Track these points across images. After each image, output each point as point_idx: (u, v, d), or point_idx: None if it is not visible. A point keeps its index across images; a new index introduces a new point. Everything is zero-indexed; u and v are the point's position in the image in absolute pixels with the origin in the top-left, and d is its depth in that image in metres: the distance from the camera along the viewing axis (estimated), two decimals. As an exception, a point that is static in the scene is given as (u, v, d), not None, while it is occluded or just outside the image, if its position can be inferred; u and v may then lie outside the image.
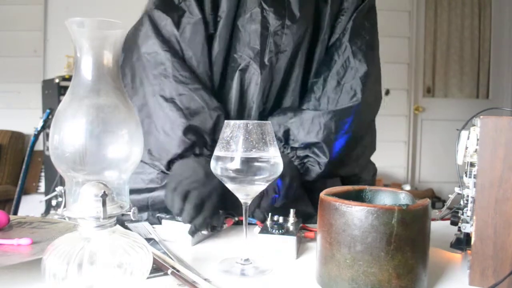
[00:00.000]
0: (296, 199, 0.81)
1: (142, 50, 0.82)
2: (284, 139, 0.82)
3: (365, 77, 0.84)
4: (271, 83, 0.85)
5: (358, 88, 0.83)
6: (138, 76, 0.82)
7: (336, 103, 0.83)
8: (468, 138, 0.56)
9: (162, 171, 0.82)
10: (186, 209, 0.66)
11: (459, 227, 0.57)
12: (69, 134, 0.42)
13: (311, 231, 0.71)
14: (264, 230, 0.64)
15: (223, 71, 0.86)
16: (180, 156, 0.78)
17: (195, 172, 0.72)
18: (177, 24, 0.82)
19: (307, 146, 0.81)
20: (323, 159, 0.80)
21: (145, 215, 0.84)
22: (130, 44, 0.84)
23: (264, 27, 0.83)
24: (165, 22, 0.82)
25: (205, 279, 0.51)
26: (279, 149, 0.80)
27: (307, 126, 0.81)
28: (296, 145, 0.82)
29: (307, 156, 0.82)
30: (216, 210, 0.68)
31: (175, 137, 0.77)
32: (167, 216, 0.72)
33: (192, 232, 0.66)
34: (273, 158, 0.55)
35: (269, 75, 0.84)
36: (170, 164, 0.79)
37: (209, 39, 0.85)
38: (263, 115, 0.86)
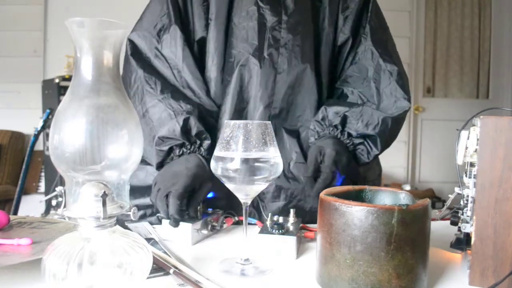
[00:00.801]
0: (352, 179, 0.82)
1: (124, 71, 0.87)
2: (341, 126, 0.85)
3: (400, 79, 0.87)
4: (274, 76, 0.85)
5: (398, 93, 0.85)
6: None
7: (382, 109, 0.86)
8: (468, 138, 0.56)
9: None
10: (159, 206, 0.70)
11: (459, 227, 0.57)
12: (69, 134, 0.42)
13: (311, 231, 0.71)
14: (264, 230, 0.64)
15: (222, 68, 0.88)
16: (161, 164, 0.82)
17: (163, 176, 0.75)
18: (158, 38, 0.87)
19: (362, 136, 0.84)
20: (375, 151, 0.84)
21: (148, 211, 0.86)
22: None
23: (261, 24, 0.85)
24: (145, 40, 0.87)
25: (206, 279, 0.51)
26: (336, 135, 0.83)
27: (366, 119, 0.84)
28: (353, 133, 0.84)
29: (360, 144, 0.84)
30: (182, 197, 0.69)
31: (152, 150, 0.82)
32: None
33: (173, 222, 0.67)
34: (273, 158, 0.55)
35: (270, 68, 0.85)
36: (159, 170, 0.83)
37: (201, 42, 0.89)
38: (272, 108, 0.86)
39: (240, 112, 0.86)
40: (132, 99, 0.85)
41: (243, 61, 0.85)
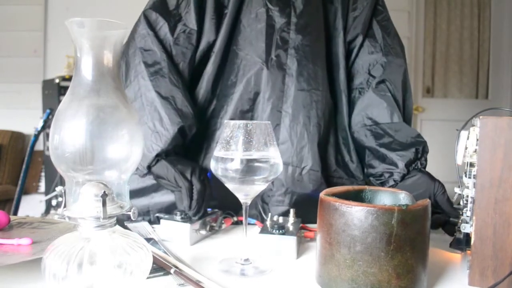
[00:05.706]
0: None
1: (138, 45, 0.83)
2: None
3: (405, 75, 0.91)
4: (283, 77, 0.84)
5: (406, 95, 0.91)
6: (133, 69, 0.83)
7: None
8: (467, 138, 0.57)
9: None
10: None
11: (459, 227, 0.57)
12: (69, 134, 0.42)
13: (311, 231, 0.71)
14: (264, 230, 0.64)
15: (218, 65, 0.87)
16: (166, 153, 0.78)
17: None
18: (173, 30, 0.85)
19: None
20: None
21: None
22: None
23: (269, 26, 0.85)
24: (161, 25, 0.85)
25: (207, 279, 0.51)
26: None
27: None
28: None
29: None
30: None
31: (167, 133, 0.78)
32: (166, 216, 0.72)
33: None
34: (273, 158, 0.55)
35: (278, 69, 0.84)
36: (154, 160, 0.78)
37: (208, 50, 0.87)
38: (283, 110, 0.85)
39: (244, 114, 0.85)
40: (152, 76, 0.81)
41: (249, 62, 0.85)
